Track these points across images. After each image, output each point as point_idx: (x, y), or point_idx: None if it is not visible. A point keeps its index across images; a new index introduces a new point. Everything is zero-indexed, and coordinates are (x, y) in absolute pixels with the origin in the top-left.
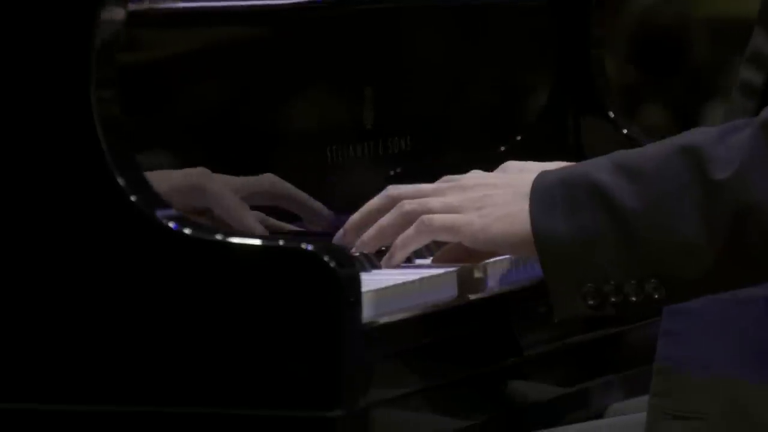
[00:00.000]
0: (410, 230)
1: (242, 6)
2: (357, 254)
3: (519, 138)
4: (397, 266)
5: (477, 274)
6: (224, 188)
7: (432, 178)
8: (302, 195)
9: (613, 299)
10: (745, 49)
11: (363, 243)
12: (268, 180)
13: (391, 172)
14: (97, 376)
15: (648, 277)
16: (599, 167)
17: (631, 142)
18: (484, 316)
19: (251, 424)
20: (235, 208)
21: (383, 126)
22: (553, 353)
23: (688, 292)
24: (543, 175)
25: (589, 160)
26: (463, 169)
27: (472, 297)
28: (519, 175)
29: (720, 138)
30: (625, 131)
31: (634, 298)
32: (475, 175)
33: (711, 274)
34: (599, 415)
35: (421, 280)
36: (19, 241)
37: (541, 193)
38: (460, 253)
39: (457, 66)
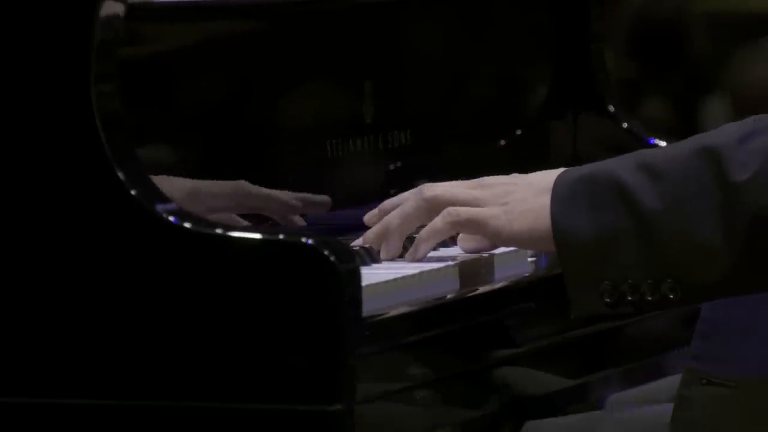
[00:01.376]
0: (437, 221)
1: (242, 0)
2: (357, 248)
3: (519, 132)
4: (422, 259)
5: (482, 267)
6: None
7: (432, 172)
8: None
9: (629, 298)
10: (745, 43)
11: (391, 235)
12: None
13: (391, 166)
14: (96, 370)
15: (665, 278)
16: (622, 165)
17: (630, 137)
18: (484, 309)
19: (251, 418)
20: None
21: (383, 120)
22: (554, 347)
23: (704, 295)
24: (565, 172)
25: (612, 159)
26: (463, 163)
27: (473, 291)
28: (539, 174)
29: (741, 140)
30: (624, 125)
31: (650, 298)
32: (494, 177)
33: (727, 278)
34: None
35: (421, 274)
36: (20, 235)
37: (563, 188)
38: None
39: (456, 60)
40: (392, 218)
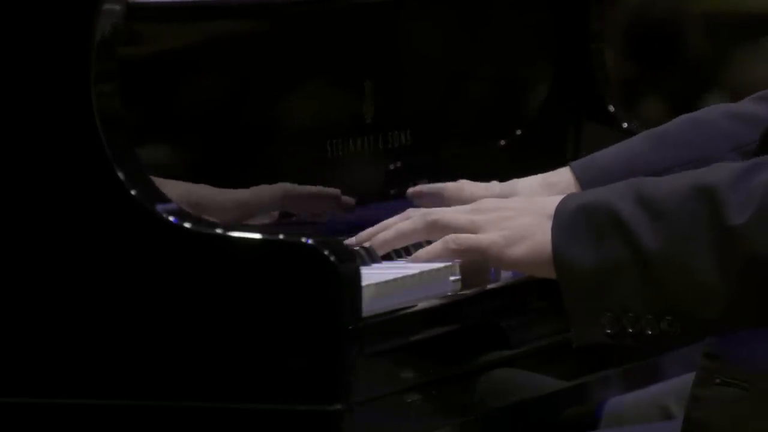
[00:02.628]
0: (437, 246)
1: (241, 0)
2: (357, 248)
3: (519, 132)
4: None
5: (482, 267)
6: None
7: (432, 172)
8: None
9: (630, 330)
10: (744, 43)
11: (380, 243)
12: (282, 186)
13: (391, 166)
14: (96, 370)
15: (663, 314)
16: (622, 196)
17: (630, 137)
18: (484, 310)
19: (251, 418)
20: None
21: (383, 120)
22: (553, 348)
23: (703, 331)
24: (565, 200)
25: (611, 186)
26: (463, 163)
27: (473, 291)
28: (537, 200)
29: (738, 179)
30: (624, 125)
31: (650, 332)
32: (490, 200)
33: (725, 315)
34: (598, 408)
35: (421, 273)
36: (20, 235)
37: (564, 219)
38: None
39: (456, 60)
40: (389, 231)
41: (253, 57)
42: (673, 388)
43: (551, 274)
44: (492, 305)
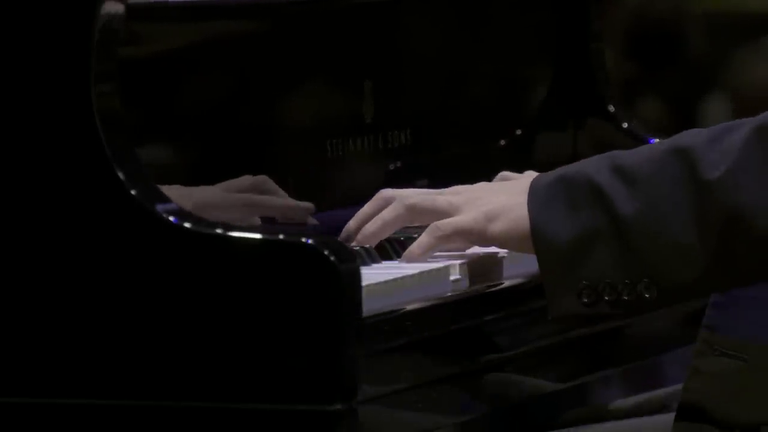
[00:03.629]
0: (424, 238)
1: (241, 0)
2: (357, 248)
3: (519, 132)
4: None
5: (482, 267)
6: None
7: (432, 172)
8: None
9: (606, 297)
10: (744, 43)
11: (364, 236)
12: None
13: (391, 166)
14: (96, 370)
15: (640, 277)
16: (598, 167)
17: (630, 137)
18: (484, 310)
19: (251, 418)
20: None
21: (383, 120)
22: (554, 347)
23: (680, 294)
24: (540, 175)
25: (586, 160)
26: (463, 163)
27: (473, 291)
28: (509, 181)
29: (712, 140)
30: (624, 125)
31: (626, 297)
32: (462, 186)
33: (702, 276)
34: (600, 411)
35: (421, 273)
36: (20, 235)
37: (540, 190)
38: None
39: (456, 60)
40: (374, 224)
41: (253, 57)
42: None
43: (528, 248)
44: (492, 305)
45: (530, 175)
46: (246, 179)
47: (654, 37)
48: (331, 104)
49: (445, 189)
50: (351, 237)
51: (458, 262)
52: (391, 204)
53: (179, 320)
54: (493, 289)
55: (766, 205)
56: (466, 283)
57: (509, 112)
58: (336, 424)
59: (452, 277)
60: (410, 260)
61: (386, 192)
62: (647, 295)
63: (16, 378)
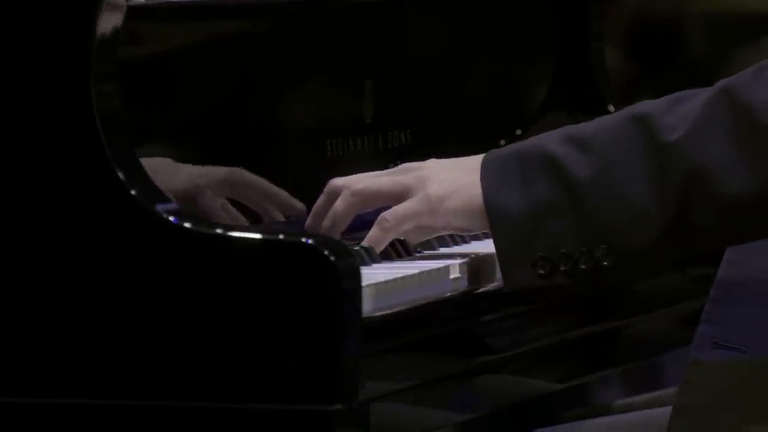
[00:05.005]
0: (374, 232)
1: (241, 0)
2: (357, 248)
3: (519, 132)
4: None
5: (482, 267)
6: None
7: None
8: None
9: (562, 268)
10: (744, 43)
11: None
12: (236, 170)
13: (391, 166)
14: (96, 370)
15: (597, 244)
16: (550, 139)
17: None
18: (484, 309)
19: (251, 418)
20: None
21: (383, 120)
22: (554, 347)
23: (637, 260)
24: (492, 151)
25: (539, 135)
26: None
27: (473, 291)
28: (458, 159)
29: (669, 106)
30: None
31: (583, 266)
32: (413, 163)
33: (659, 241)
34: (600, 412)
35: (421, 273)
36: (20, 235)
37: (492, 165)
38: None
39: (456, 60)
40: (326, 221)
41: (253, 57)
42: None
43: (481, 224)
44: (492, 305)
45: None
46: (222, 169)
47: (654, 37)
48: (331, 104)
49: (394, 168)
50: None
51: (458, 261)
52: (340, 195)
53: (179, 320)
54: (493, 288)
55: (726, 166)
56: (465, 283)
57: (509, 112)
58: (336, 424)
59: (452, 277)
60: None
61: (335, 182)
62: (605, 263)
63: (16, 378)
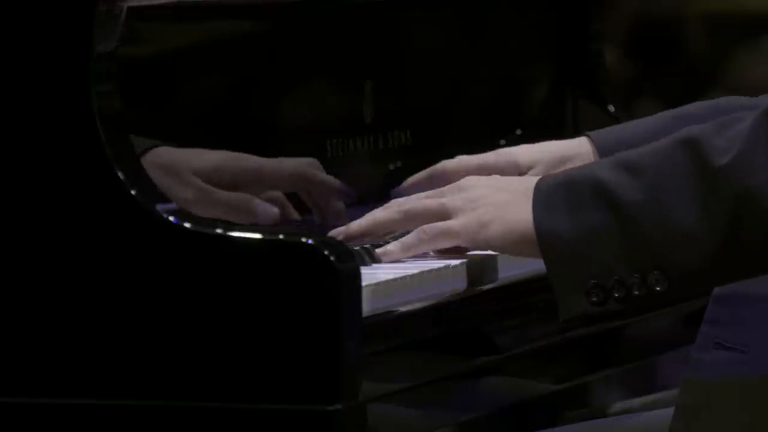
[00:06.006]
0: (408, 238)
1: (242, 0)
2: (357, 248)
3: (519, 132)
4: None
5: (482, 267)
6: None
7: None
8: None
9: (616, 294)
10: (744, 43)
11: (353, 231)
12: (310, 161)
13: (391, 167)
14: (96, 370)
15: (650, 270)
16: (600, 166)
17: None
18: (484, 309)
19: (251, 418)
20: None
21: (383, 120)
22: (555, 347)
23: (690, 284)
24: (545, 177)
25: (590, 162)
26: None
27: (473, 291)
28: (516, 179)
29: (718, 130)
30: None
31: (637, 292)
32: (472, 178)
33: (712, 264)
34: (601, 413)
35: (421, 273)
36: (20, 235)
37: (544, 192)
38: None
39: (456, 60)
40: (363, 219)
41: (254, 57)
42: None
43: (526, 251)
44: (492, 305)
45: (534, 177)
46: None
47: (654, 37)
48: (331, 104)
49: (451, 185)
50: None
51: (458, 261)
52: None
53: (179, 320)
54: (493, 288)
55: None
56: (465, 283)
57: (509, 112)
58: (336, 424)
59: (452, 277)
60: (389, 258)
61: (394, 201)
62: (658, 289)
63: (16, 378)
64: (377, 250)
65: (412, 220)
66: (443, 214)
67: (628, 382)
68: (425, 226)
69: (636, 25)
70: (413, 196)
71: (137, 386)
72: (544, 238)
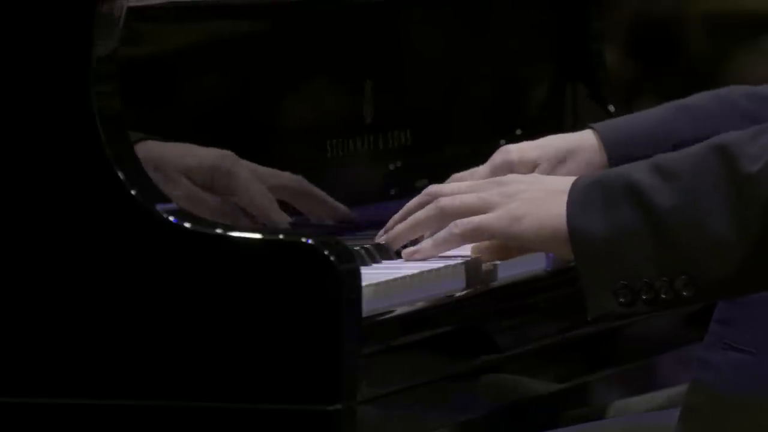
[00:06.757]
0: (442, 234)
1: (242, 0)
2: (357, 248)
3: (519, 132)
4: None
5: (486, 266)
6: (252, 176)
7: (432, 173)
8: (324, 195)
9: (644, 297)
10: (744, 43)
11: (396, 236)
12: (296, 179)
13: (391, 166)
14: (96, 370)
15: (678, 274)
16: (635, 168)
17: None
18: (484, 310)
19: (251, 418)
20: (261, 198)
21: (383, 120)
22: (555, 347)
23: (717, 291)
24: (581, 176)
25: (626, 164)
26: (463, 163)
27: (473, 291)
28: (555, 177)
29: (752, 137)
30: None
31: (664, 296)
32: (512, 175)
33: (740, 272)
34: (601, 412)
35: (422, 273)
36: (20, 235)
37: (579, 191)
38: (497, 248)
39: (457, 60)
40: (405, 223)
41: (253, 57)
42: None
43: (557, 248)
44: (492, 305)
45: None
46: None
47: (654, 37)
48: (331, 104)
49: (488, 180)
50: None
51: (458, 261)
52: (429, 203)
53: (179, 320)
54: (493, 288)
55: None
56: (465, 283)
57: (509, 112)
58: (336, 424)
59: (452, 277)
60: (421, 256)
61: (432, 188)
62: (685, 294)
63: (16, 378)
64: (405, 250)
65: (452, 216)
66: (480, 209)
67: (628, 382)
68: (458, 221)
69: (636, 25)
70: (449, 187)
71: (137, 386)
72: (576, 235)
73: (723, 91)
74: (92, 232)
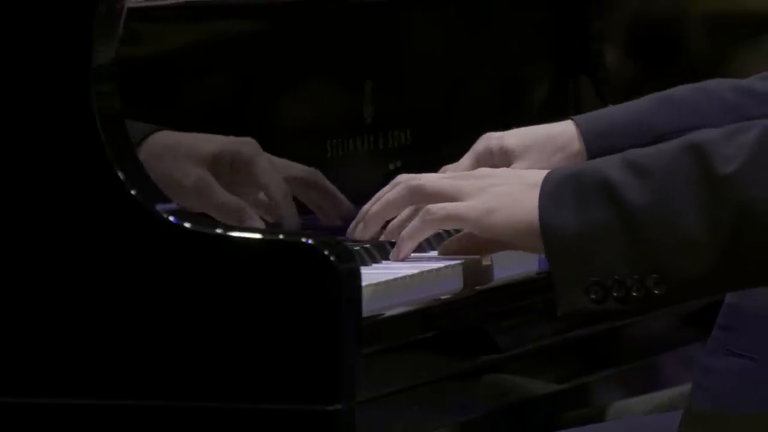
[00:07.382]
0: (416, 221)
1: (242, 0)
2: (357, 248)
3: None
4: (405, 259)
5: (484, 266)
6: (270, 165)
7: (432, 172)
8: (335, 189)
9: (615, 294)
10: (744, 43)
11: (371, 218)
12: (311, 170)
13: (391, 166)
14: (96, 370)
15: (649, 272)
16: (609, 163)
17: None
18: (484, 310)
19: (251, 418)
20: (277, 187)
21: (383, 120)
22: (554, 347)
23: (689, 290)
24: (554, 170)
25: (600, 158)
26: None
27: (472, 291)
28: (529, 171)
29: (727, 137)
30: None
31: (635, 294)
32: (487, 168)
33: (712, 272)
34: (601, 413)
35: (422, 273)
36: (20, 236)
37: (550, 185)
38: (468, 244)
39: (457, 60)
40: (376, 204)
41: (254, 57)
42: None
43: (528, 242)
44: (492, 305)
45: (543, 170)
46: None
47: (654, 37)
48: (331, 104)
49: (464, 173)
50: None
51: (458, 262)
52: (398, 185)
53: (179, 320)
54: (493, 288)
55: None
56: (465, 283)
57: (509, 112)
58: (336, 424)
59: (451, 277)
60: (401, 246)
61: (402, 176)
62: (656, 292)
63: (16, 378)
64: (391, 257)
65: (422, 198)
66: (452, 196)
67: (627, 383)
68: (430, 206)
69: (636, 25)
70: (420, 176)
71: (137, 386)
72: (547, 230)
73: (710, 83)
74: (92, 232)
